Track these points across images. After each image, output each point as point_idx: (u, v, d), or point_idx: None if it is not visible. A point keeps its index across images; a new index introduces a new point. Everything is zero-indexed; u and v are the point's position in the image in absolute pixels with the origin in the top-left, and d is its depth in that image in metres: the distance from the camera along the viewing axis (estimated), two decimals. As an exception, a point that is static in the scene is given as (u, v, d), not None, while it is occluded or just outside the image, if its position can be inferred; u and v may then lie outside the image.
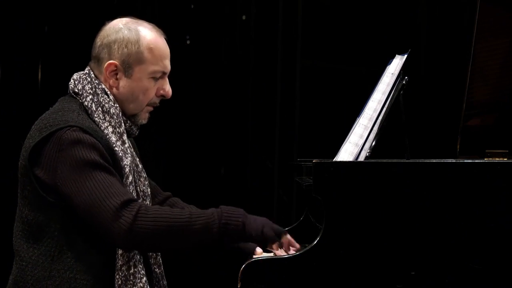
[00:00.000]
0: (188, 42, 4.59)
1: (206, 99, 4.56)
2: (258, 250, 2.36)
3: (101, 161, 2.19)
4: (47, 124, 2.23)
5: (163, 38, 2.40)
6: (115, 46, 2.33)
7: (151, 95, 2.37)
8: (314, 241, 2.17)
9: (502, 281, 2.16)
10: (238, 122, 4.58)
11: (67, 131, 2.19)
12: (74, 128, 2.20)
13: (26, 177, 2.23)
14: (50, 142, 2.20)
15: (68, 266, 2.20)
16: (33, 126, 2.29)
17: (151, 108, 2.40)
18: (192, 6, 4.60)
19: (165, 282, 2.43)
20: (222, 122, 4.56)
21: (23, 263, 2.23)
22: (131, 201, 2.16)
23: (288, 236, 2.26)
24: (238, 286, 2.17)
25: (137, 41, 2.33)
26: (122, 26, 2.35)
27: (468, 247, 2.16)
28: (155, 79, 2.36)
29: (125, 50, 2.32)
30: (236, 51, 4.60)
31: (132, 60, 2.33)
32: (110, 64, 2.32)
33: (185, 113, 4.50)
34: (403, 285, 2.16)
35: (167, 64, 2.39)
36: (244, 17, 4.61)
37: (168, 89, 2.39)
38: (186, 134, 4.54)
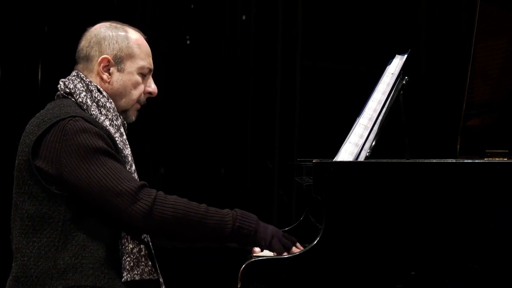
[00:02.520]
0: (188, 42, 4.59)
1: (206, 99, 4.56)
2: (256, 249, 2.38)
3: (108, 148, 2.24)
4: (45, 118, 2.27)
5: (146, 39, 2.51)
6: (106, 43, 2.42)
7: (141, 90, 2.46)
8: (314, 241, 2.17)
9: (502, 281, 2.16)
10: (238, 122, 4.58)
11: (69, 121, 2.23)
12: (77, 118, 2.24)
13: (27, 172, 2.24)
14: (51, 132, 2.23)
15: (73, 253, 2.22)
16: (27, 126, 2.31)
17: (139, 106, 2.49)
18: (192, 6, 4.60)
19: (161, 280, 2.44)
20: (222, 122, 4.56)
21: (25, 258, 2.24)
22: (146, 186, 2.22)
23: (295, 250, 2.28)
24: (238, 286, 2.17)
25: (126, 37, 2.44)
26: (108, 26, 2.46)
27: (468, 247, 2.16)
28: (143, 75, 2.46)
29: (116, 45, 2.42)
30: (236, 51, 4.60)
31: (123, 54, 2.42)
32: (104, 58, 2.41)
33: (185, 113, 4.50)
34: (403, 285, 2.16)
35: (151, 62, 2.49)
36: (244, 17, 4.61)
37: (154, 86, 2.50)
38: (186, 134, 4.54)
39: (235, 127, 4.58)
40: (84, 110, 2.33)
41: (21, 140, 2.30)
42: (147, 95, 2.49)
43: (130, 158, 2.34)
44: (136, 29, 2.50)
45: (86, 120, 2.25)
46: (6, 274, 2.33)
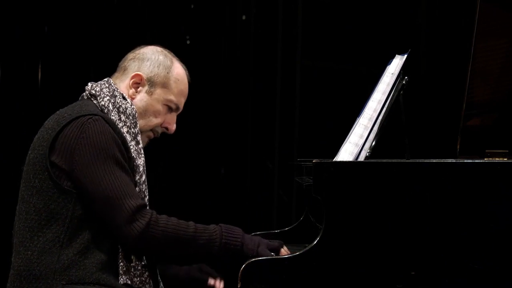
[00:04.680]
0: (188, 42, 4.59)
1: (206, 99, 4.55)
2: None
3: (121, 158, 2.25)
4: (65, 115, 2.28)
5: (188, 81, 2.54)
6: (148, 63, 2.45)
7: (160, 121, 2.47)
8: (314, 241, 2.17)
9: (502, 281, 2.16)
10: (238, 122, 4.57)
11: (89, 119, 2.25)
12: (97, 117, 2.26)
13: (40, 166, 2.24)
14: (69, 127, 2.24)
15: (77, 251, 2.22)
16: (46, 122, 2.32)
17: (152, 135, 2.49)
18: (192, 6, 4.60)
19: (161, 285, 2.44)
20: (222, 122, 4.56)
21: (28, 253, 2.24)
22: (145, 206, 2.23)
23: (283, 251, 2.31)
24: (238, 286, 2.17)
25: (169, 68, 2.47)
26: (160, 51, 2.50)
27: (468, 247, 2.16)
28: (169, 108, 2.48)
29: (156, 69, 2.45)
30: (236, 51, 4.60)
31: (158, 80, 2.45)
32: (137, 74, 2.44)
33: (185, 113, 4.49)
34: (403, 285, 2.16)
35: (182, 102, 2.53)
36: (244, 17, 4.61)
37: (174, 126, 2.52)
38: (186, 134, 4.53)
39: (235, 127, 4.58)
40: (104, 114, 2.32)
41: (38, 135, 2.31)
42: (163, 129, 2.50)
43: (141, 168, 2.35)
44: (184, 67, 2.53)
45: (106, 121, 2.26)
46: (6, 270, 2.33)
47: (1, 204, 3.82)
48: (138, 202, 2.21)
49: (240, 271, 2.17)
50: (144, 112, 2.43)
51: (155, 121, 2.46)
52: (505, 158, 2.47)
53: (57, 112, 2.35)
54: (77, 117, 2.25)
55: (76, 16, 4.26)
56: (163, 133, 2.53)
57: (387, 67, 2.47)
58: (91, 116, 2.25)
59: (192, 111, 4.50)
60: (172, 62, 2.49)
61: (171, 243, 2.22)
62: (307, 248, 2.17)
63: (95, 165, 2.20)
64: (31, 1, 4.25)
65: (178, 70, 2.50)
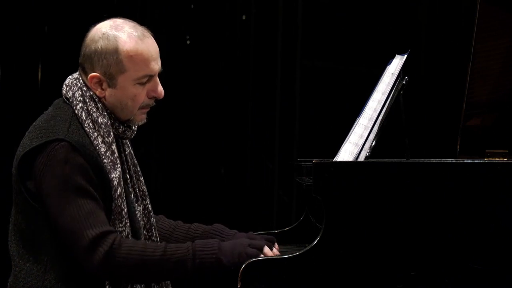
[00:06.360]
0: (188, 42, 4.59)
1: (206, 99, 4.56)
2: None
3: (85, 185, 2.17)
4: (39, 135, 2.21)
5: (147, 40, 2.31)
6: (95, 58, 2.27)
7: (141, 100, 2.31)
8: (314, 241, 2.17)
9: (502, 281, 2.16)
10: (238, 122, 4.58)
11: (56, 147, 2.17)
12: (63, 143, 2.17)
13: (17, 185, 2.22)
14: (41, 155, 2.18)
15: (60, 278, 2.19)
16: (26, 133, 2.27)
17: (146, 110, 2.35)
18: (192, 6, 4.60)
19: None
20: (222, 122, 4.56)
21: (17, 269, 2.23)
22: (108, 233, 2.15)
23: (267, 251, 2.24)
24: (238, 286, 2.17)
25: (116, 51, 2.26)
26: (100, 36, 2.27)
27: (468, 247, 2.16)
28: (142, 83, 2.30)
29: (104, 61, 2.26)
30: (236, 51, 4.60)
31: (113, 70, 2.26)
32: (92, 77, 2.27)
33: (185, 113, 4.50)
34: (403, 285, 2.16)
35: (153, 67, 2.30)
36: (244, 17, 4.61)
37: (159, 90, 2.33)
38: (186, 134, 4.54)
39: (235, 127, 4.58)
40: (80, 123, 2.25)
41: (18, 148, 2.25)
42: (153, 99, 2.34)
43: (116, 182, 2.23)
44: (136, 31, 2.30)
45: (73, 147, 2.17)
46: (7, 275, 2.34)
47: (1, 205, 3.82)
48: (99, 230, 2.13)
49: (240, 271, 2.17)
50: (120, 104, 2.29)
51: (135, 104, 2.30)
52: (505, 158, 2.47)
53: (35, 122, 2.28)
54: (46, 143, 2.17)
55: (76, 16, 4.26)
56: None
57: (387, 67, 2.47)
58: (58, 142, 2.17)
59: (192, 111, 4.53)
60: (115, 42, 2.25)
61: (137, 268, 2.15)
62: (307, 248, 2.17)
63: (57, 195, 2.15)
64: (31, 1, 4.25)
65: (127, 46, 2.25)
